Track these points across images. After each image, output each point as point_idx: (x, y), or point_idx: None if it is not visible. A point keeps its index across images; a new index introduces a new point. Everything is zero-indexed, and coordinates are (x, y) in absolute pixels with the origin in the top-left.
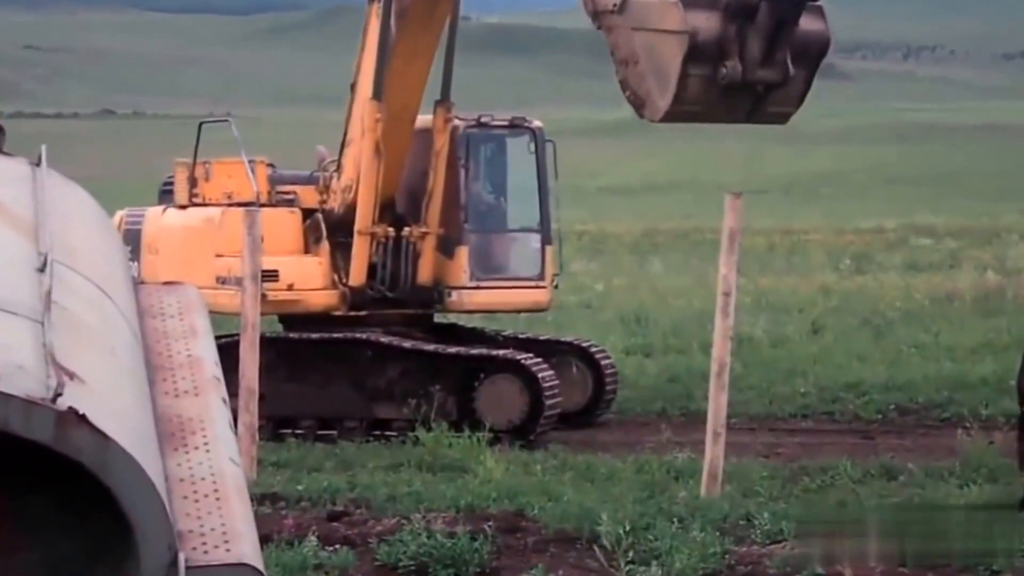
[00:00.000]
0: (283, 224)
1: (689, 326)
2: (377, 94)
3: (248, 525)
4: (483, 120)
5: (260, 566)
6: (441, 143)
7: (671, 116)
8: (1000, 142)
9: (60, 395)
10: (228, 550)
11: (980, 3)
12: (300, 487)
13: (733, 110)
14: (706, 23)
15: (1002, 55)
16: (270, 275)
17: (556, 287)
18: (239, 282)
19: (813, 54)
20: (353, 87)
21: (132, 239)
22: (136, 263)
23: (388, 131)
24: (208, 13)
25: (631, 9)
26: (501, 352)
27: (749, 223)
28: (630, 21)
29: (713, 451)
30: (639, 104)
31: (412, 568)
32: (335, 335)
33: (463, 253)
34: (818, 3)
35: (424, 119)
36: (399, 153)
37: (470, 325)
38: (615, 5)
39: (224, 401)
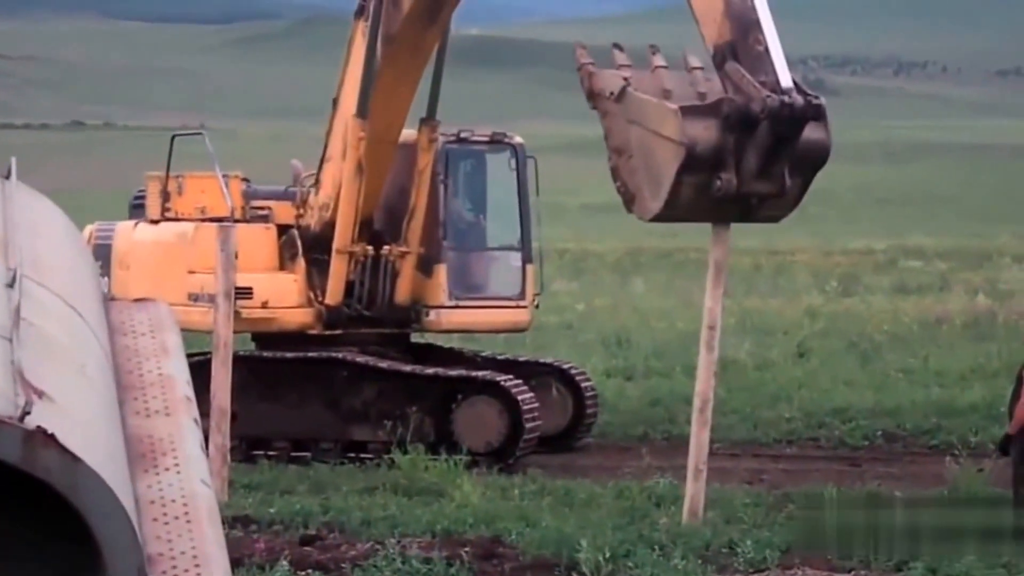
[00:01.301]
0: (258, 240)
1: (672, 349)
2: (361, 112)
3: (219, 549)
4: (463, 135)
5: None
6: (425, 162)
7: (661, 218)
8: (993, 161)
9: (28, 414)
10: (199, 574)
11: (973, 20)
12: (272, 510)
13: (725, 216)
14: (704, 133)
15: (995, 72)
16: (244, 292)
17: (537, 307)
18: (212, 299)
19: (811, 165)
20: (335, 102)
21: (102, 254)
22: (106, 279)
23: (371, 150)
24: (181, 23)
25: (629, 102)
26: (480, 373)
27: (734, 243)
28: (627, 113)
29: (694, 486)
30: (629, 199)
31: None
32: (310, 354)
33: (442, 271)
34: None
35: (405, 134)
36: (381, 172)
37: (448, 345)
38: (611, 93)
39: (196, 421)
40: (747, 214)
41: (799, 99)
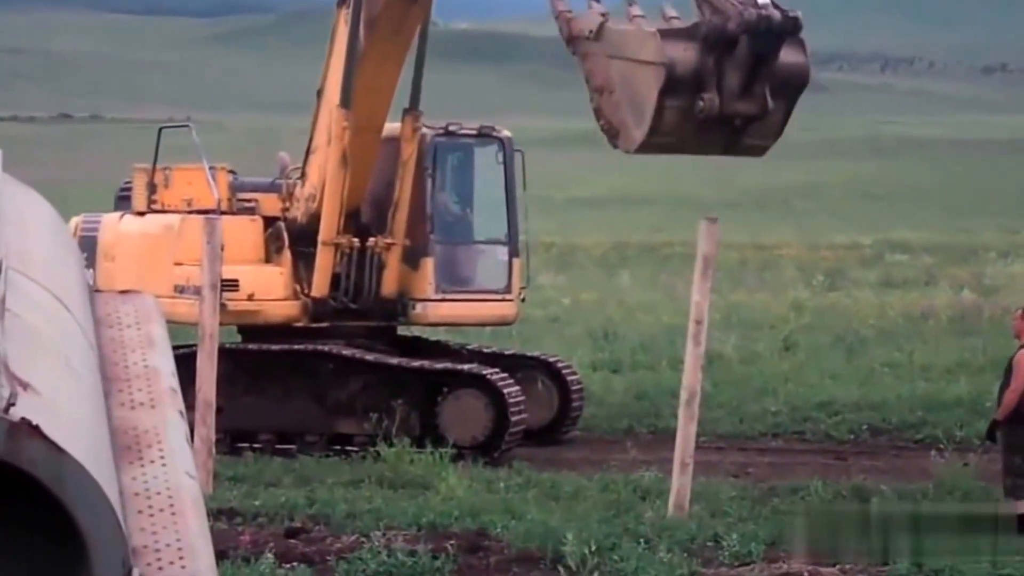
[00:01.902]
0: (244, 232)
1: (658, 342)
2: (345, 102)
3: (204, 541)
4: (451, 129)
5: None
6: (409, 152)
7: (646, 148)
8: (979, 157)
9: (13, 405)
10: (183, 567)
11: (959, 16)
12: (257, 502)
13: (709, 142)
14: (684, 55)
15: (981, 68)
16: (230, 284)
17: (523, 300)
18: (198, 291)
19: (792, 87)
20: (320, 93)
21: (88, 246)
22: (92, 271)
23: (355, 140)
24: (169, 15)
25: (607, 37)
26: (466, 366)
27: (721, 237)
28: (606, 49)
29: (681, 479)
30: (613, 134)
31: None
32: (296, 347)
33: (428, 265)
34: (798, 36)
35: (391, 127)
36: (366, 162)
37: (434, 338)
38: (591, 32)
39: (181, 413)
40: (732, 143)
41: (776, 13)
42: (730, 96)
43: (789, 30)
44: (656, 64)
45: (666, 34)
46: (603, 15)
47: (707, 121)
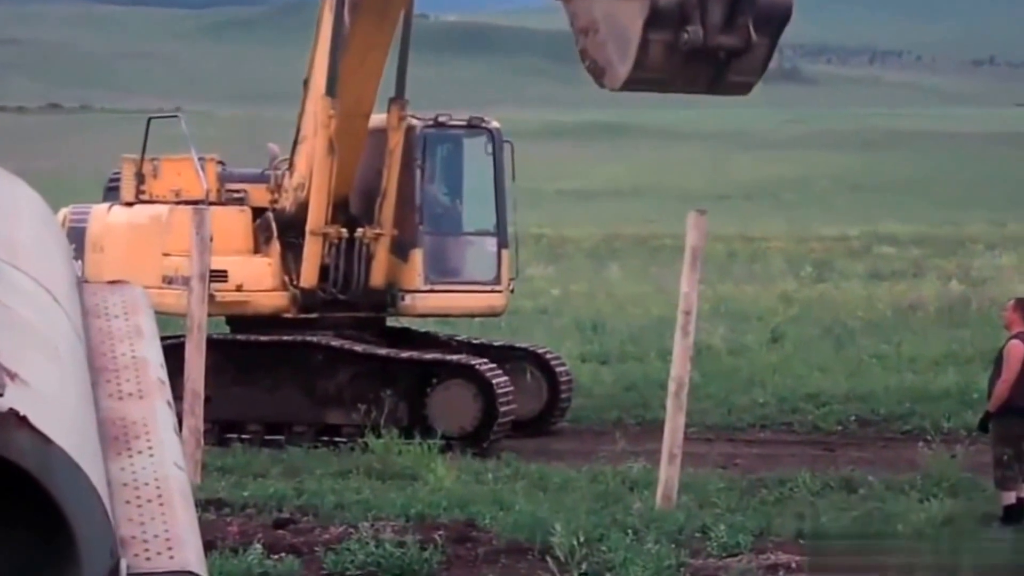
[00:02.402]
0: (233, 223)
1: (647, 334)
2: (331, 90)
3: (192, 531)
4: (440, 120)
5: (204, 573)
6: (395, 141)
7: (631, 84)
8: (967, 150)
9: (0, 395)
10: (171, 557)
11: (948, 9)
12: (246, 493)
13: (695, 78)
14: None
15: (970, 61)
16: (218, 275)
17: (512, 292)
18: (186, 282)
19: (775, 21)
20: (306, 83)
21: (76, 237)
22: (80, 261)
23: (342, 128)
24: (159, 6)
25: None
26: (454, 357)
27: (710, 229)
28: None
29: (668, 471)
30: (599, 73)
31: None
32: (284, 337)
33: (417, 256)
34: None
35: (379, 118)
36: (353, 151)
37: (423, 329)
38: None
39: (169, 404)
40: (716, 79)
41: None
42: (713, 28)
43: None
44: None
45: None
46: None
47: (691, 54)
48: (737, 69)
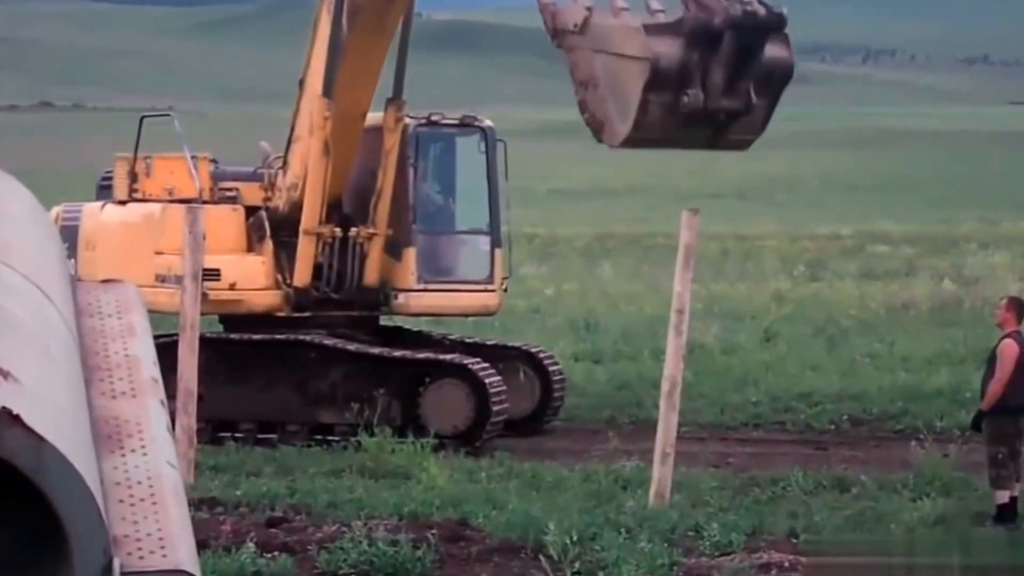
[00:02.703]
0: (225, 222)
1: (640, 333)
2: (327, 92)
3: (185, 530)
4: (433, 119)
5: (197, 572)
6: (392, 142)
7: (630, 142)
8: (960, 148)
9: None
10: (164, 555)
11: (941, 7)
12: (239, 492)
13: (693, 137)
14: (668, 50)
15: (963, 60)
16: (211, 274)
17: (505, 291)
18: (179, 280)
19: (776, 82)
20: (302, 83)
21: (69, 235)
22: (73, 260)
23: (337, 129)
24: (151, 4)
25: (593, 31)
26: (447, 356)
27: (703, 228)
28: (591, 43)
29: (661, 470)
30: (598, 128)
31: None
32: (277, 336)
33: (411, 255)
34: (782, 30)
35: (374, 117)
36: (348, 152)
37: (416, 328)
38: (576, 25)
39: (162, 403)
40: (716, 137)
41: (761, 8)
42: (714, 92)
43: (774, 26)
44: (641, 59)
45: (651, 29)
46: (588, 9)
47: (691, 116)
48: (737, 128)
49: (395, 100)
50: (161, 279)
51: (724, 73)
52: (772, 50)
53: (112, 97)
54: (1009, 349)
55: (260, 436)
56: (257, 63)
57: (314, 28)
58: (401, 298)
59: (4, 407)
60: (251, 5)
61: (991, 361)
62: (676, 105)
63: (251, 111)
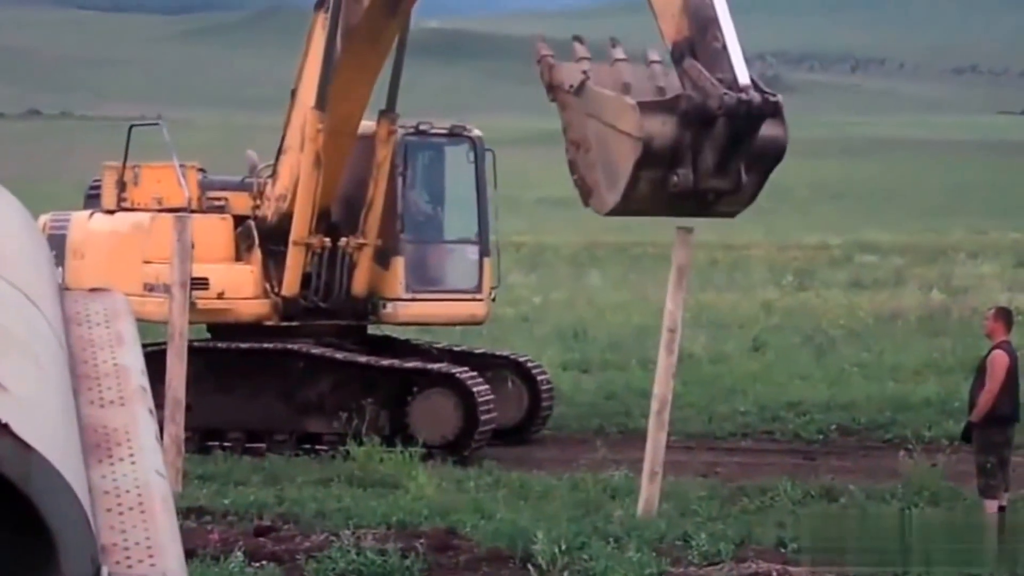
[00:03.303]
0: (214, 231)
1: (628, 342)
2: (320, 104)
3: (173, 539)
4: (422, 128)
5: None
6: (384, 154)
7: (617, 212)
8: (948, 158)
9: None
10: (152, 564)
11: (930, 17)
12: (227, 501)
13: (681, 210)
14: (661, 129)
15: (951, 69)
16: (200, 283)
17: (493, 300)
18: (167, 289)
19: (768, 161)
20: (294, 93)
21: (57, 244)
22: (61, 268)
23: (329, 142)
24: (139, 12)
25: (588, 96)
26: (436, 366)
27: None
28: (585, 107)
29: (650, 488)
30: (587, 193)
31: None
32: (265, 345)
33: (399, 264)
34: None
35: (365, 126)
36: (339, 164)
37: (404, 337)
38: (571, 86)
39: (150, 412)
40: (703, 209)
41: (756, 96)
42: (704, 172)
43: (769, 114)
44: (634, 137)
45: (645, 107)
46: (585, 73)
47: (681, 195)
48: (725, 203)
49: (388, 112)
50: (149, 288)
51: (716, 155)
52: (766, 129)
53: (100, 105)
54: (1000, 359)
55: (248, 445)
56: (244, 71)
57: (308, 41)
58: (389, 307)
59: None
60: (239, 13)
61: (980, 371)
62: (666, 182)
63: (238, 119)
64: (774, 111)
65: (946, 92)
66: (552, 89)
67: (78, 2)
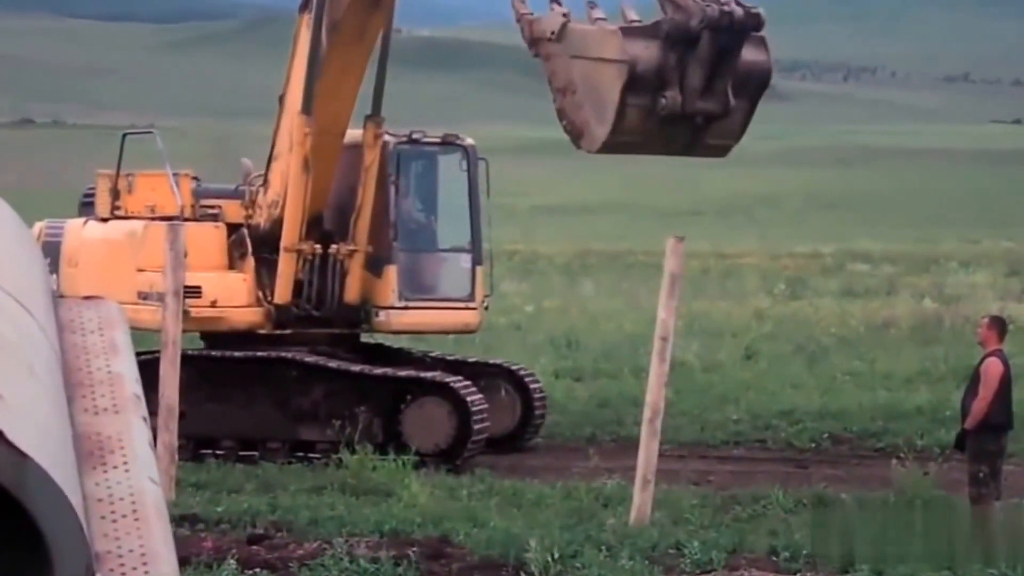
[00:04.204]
0: (207, 239)
1: (620, 350)
2: (307, 108)
3: (167, 547)
4: (415, 136)
5: None
6: (371, 159)
7: (608, 147)
8: (940, 167)
9: None
10: (146, 572)
11: (922, 26)
12: (220, 509)
13: (672, 142)
14: (646, 52)
15: (944, 78)
16: (193, 291)
17: (486, 308)
18: (161, 298)
19: (754, 85)
20: (282, 99)
21: (51, 251)
22: (55, 276)
23: (317, 146)
24: (131, 21)
25: (570, 37)
26: (429, 374)
27: (684, 246)
28: (568, 49)
29: (642, 496)
30: (576, 134)
31: None
32: (259, 353)
33: (392, 272)
34: (760, 33)
35: (354, 134)
36: (328, 168)
37: (397, 345)
38: (553, 32)
39: (144, 420)
40: (693, 142)
41: (738, 9)
42: (692, 94)
43: (751, 26)
44: (618, 62)
45: (628, 32)
46: (565, 15)
47: (669, 119)
48: (715, 132)
49: (374, 117)
50: (143, 296)
51: (702, 74)
52: (750, 53)
53: (93, 114)
54: (994, 367)
55: (241, 453)
56: (237, 80)
57: (294, 44)
58: (382, 316)
59: None
60: (232, 22)
61: (973, 379)
62: (654, 107)
63: (231, 128)
64: (756, 23)
65: (938, 101)
66: (534, 43)
67: (71, 11)
